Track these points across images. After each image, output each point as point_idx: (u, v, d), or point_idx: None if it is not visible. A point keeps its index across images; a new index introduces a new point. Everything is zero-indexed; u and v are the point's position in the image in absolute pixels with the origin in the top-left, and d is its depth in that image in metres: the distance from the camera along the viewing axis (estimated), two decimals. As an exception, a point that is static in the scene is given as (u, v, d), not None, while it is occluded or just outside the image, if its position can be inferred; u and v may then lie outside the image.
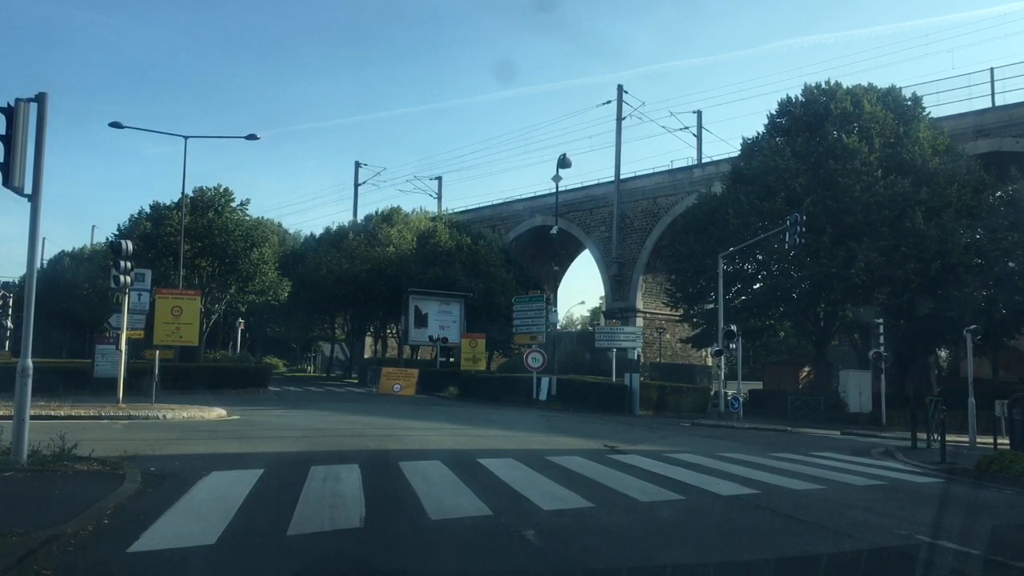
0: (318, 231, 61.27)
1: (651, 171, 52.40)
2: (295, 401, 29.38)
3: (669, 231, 48.52)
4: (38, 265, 10.81)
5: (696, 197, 40.92)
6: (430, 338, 42.83)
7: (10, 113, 9.46)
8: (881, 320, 29.49)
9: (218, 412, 20.03)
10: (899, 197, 30.93)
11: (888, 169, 31.76)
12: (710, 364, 43.86)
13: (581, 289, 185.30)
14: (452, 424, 20.42)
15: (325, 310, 54.61)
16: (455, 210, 62.08)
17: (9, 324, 60.56)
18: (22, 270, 68.06)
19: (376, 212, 54.56)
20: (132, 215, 42.03)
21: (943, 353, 43.36)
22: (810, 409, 31.25)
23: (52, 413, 16.91)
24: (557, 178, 36.25)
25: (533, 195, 59.19)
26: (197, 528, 6.68)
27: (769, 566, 6.35)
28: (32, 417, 10.19)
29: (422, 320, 42.73)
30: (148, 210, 40.57)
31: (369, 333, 60.94)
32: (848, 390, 31.90)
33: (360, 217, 63.42)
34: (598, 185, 55.32)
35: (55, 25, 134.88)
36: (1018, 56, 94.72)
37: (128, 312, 21.47)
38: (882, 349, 28.92)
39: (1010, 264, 31.51)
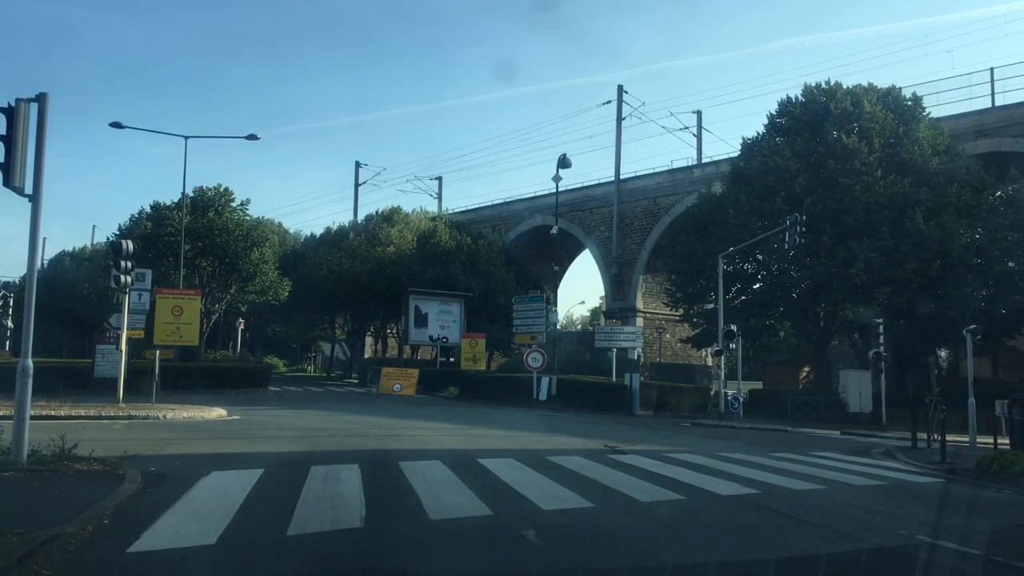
0: (318, 231, 61.31)
1: (651, 171, 52.44)
2: (295, 401, 29.35)
3: (669, 231, 48.53)
4: (38, 265, 10.82)
5: (696, 197, 40.92)
6: (430, 338, 42.81)
7: (10, 113, 9.46)
8: (881, 320, 29.47)
9: (218, 412, 20.01)
10: (899, 197, 30.93)
11: (888, 169, 31.76)
12: (710, 364, 43.84)
13: (581, 289, 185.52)
14: (452, 424, 20.40)
15: (325, 310, 54.60)
16: (455, 210, 62.11)
17: (9, 324, 60.61)
18: (22, 270, 68.16)
19: (376, 212, 54.52)
20: (132, 215, 42.12)
21: (943, 353, 43.38)
22: (810, 409, 31.23)
23: (52, 413, 16.90)
24: (557, 178, 36.18)
25: (533, 195, 59.24)
26: (197, 528, 6.68)
27: (769, 566, 6.35)
28: (32, 417, 10.18)
29: (422, 320, 42.71)
30: (148, 210, 40.59)
31: (369, 333, 60.93)
32: (848, 390, 31.86)
33: (360, 217, 63.44)
34: (598, 185, 55.31)
35: (55, 25, 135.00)
36: (1018, 56, 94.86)
37: (128, 312, 21.48)
38: (882, 349, 28.91)
39: (1010, 264, 31.52)
